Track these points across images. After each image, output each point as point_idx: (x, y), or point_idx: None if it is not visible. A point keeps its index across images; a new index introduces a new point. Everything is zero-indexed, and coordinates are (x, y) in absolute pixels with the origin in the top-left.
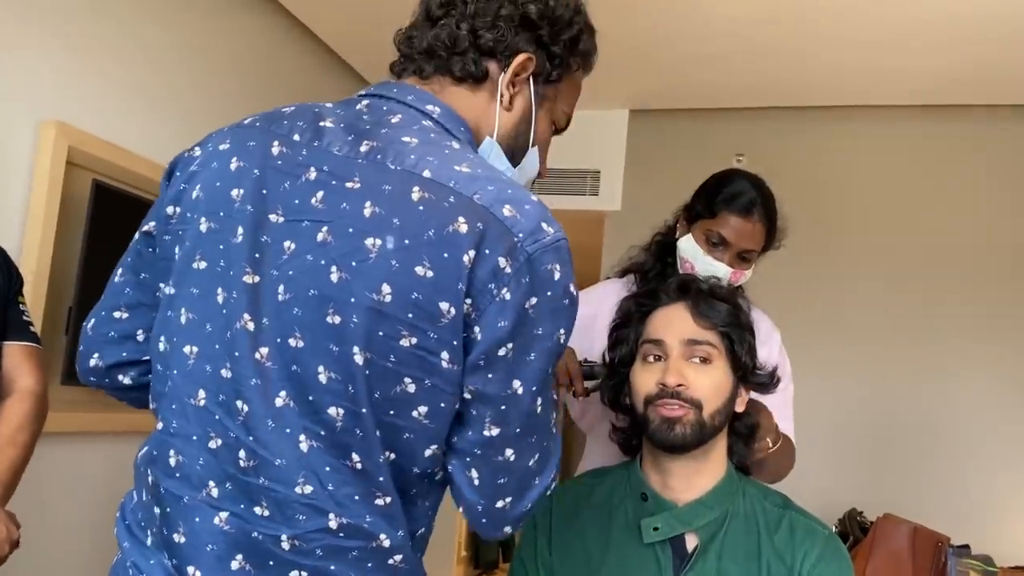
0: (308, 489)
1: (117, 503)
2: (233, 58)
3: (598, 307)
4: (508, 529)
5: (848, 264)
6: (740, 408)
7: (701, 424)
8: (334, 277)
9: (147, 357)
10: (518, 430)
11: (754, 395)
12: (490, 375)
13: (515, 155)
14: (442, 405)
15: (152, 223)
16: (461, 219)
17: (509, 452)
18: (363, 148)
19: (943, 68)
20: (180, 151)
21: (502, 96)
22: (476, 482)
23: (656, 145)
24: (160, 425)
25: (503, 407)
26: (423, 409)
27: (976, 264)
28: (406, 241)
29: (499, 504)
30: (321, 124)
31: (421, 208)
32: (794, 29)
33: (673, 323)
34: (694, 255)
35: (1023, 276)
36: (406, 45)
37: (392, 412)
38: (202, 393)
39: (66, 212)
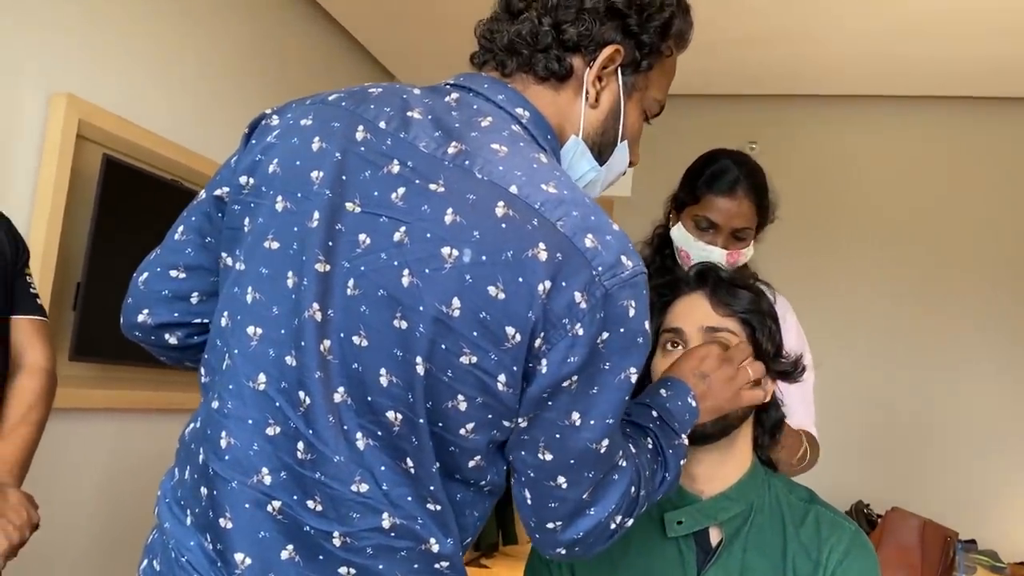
0: (364, 488)
1: (123, 479)
2: (246, 36)
3: None
4: (562, 551)
5: (860, 255)
6: (766, 399)
7: (724, 414)
8: (405, 281)
9: (197, 319)
10: (572, 461)
11: (782, 385)
12: (551, 403)
13: (602, 152)
14: (491, 424)
15: (225, 188)
16: (542, 245)
17: (561, 480)
18: (451, 150)
19: (960, 59)
20: (191, 128)
21: (588, 93)
22: (529, 501)
23: (667, 131)
24: (215, 404)
25: (558, 435)
26: (471, 426)
27: (990, 258)
28: (483, 257)
29: (549, 526)
30: (408, 114)
31: (503, 225)
32: (810, 16)
33: (692, 311)
34: (686, 243)
35: None
36: (487, 39)
37: (440, 425)
38: (263, 377)
39: (75, 186)
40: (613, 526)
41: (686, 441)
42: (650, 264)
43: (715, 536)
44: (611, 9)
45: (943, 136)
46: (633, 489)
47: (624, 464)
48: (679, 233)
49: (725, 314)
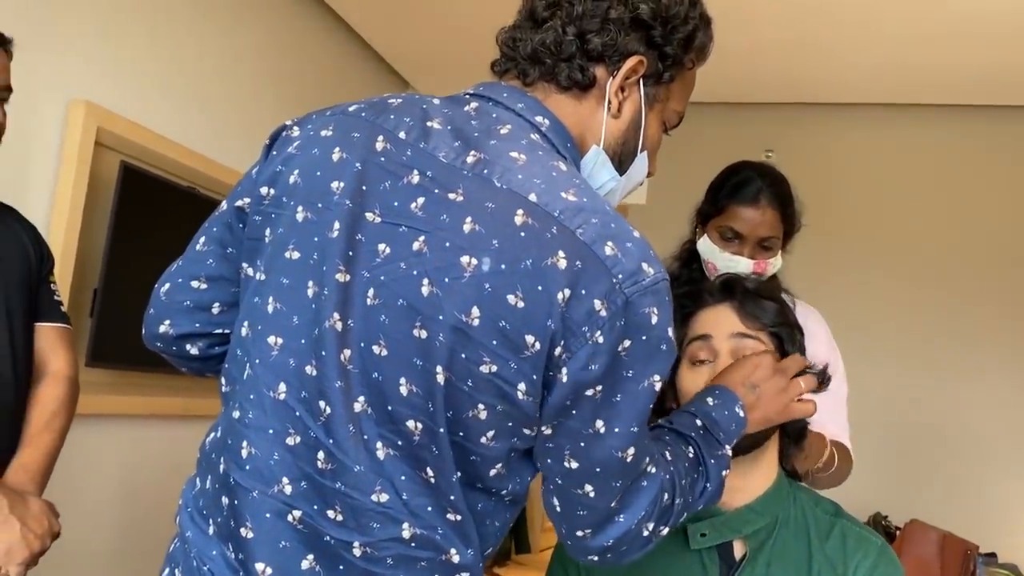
0: (384, 498)
1: (139, 485)
2: (264, 44)
3: None
4: (595, 558)
5: (876, 263)
6: (815, 412)
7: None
8: (425, 290)
9: (219, 330)
10: (598, 469)
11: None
12: (574, 411)
13: (623, 162)
14: (511, 433)
15: (247, 199)
16: (561, 253)
17: (588, 488)
18: (470, 159)
19: (976, 67)
20: (209, 136)
21: (610, 103)
22: (558, 508)
23: (683, 139)
24: (236, 414)
25: (582, 444)
26: (491, 434)
27: (1007, 266)
28: (502, 266)
29: (579, 533)
30: (428, 124)
31: (523, 234)
32: (826, 24)
33: (719, 323)
34: (712, 254)
35: None
36: (509, 47)
37: (462, 435)
38: (283, 387)
39: (93, 193)
40: (646, 533)
41: (730, 452)
42: (677, 278)
43: (739, 549)
44: (636, 20)
45: (960, 144)
46: (666, 496)
47: (654, 471)
48: (705, 245)
49: (755, 328)
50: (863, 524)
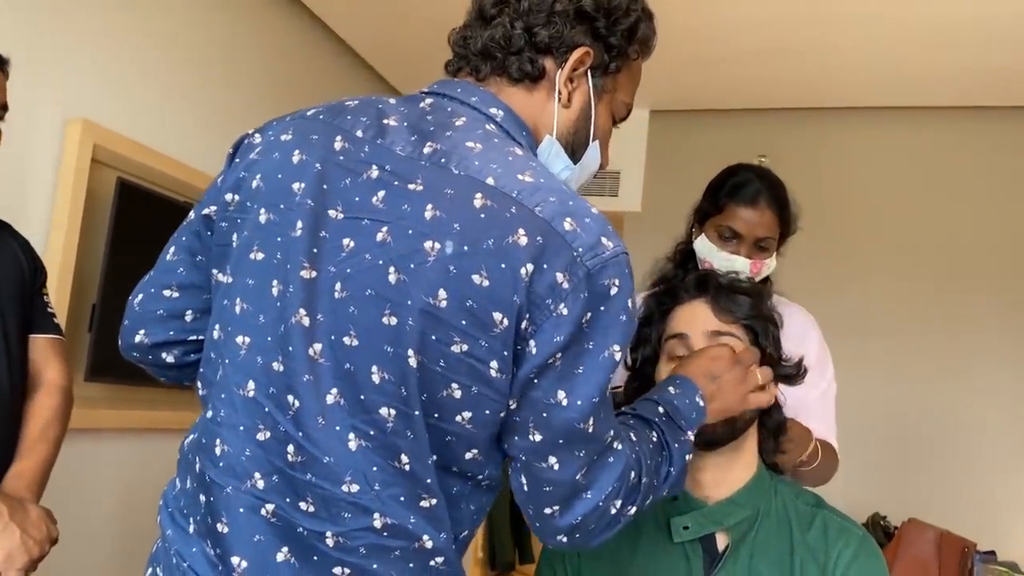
0: (355, 488)
1: (139, 500)
2: (258, 59)
3: None
4: (563, 539)
5: (872, 265)
6: (771, 402)
7: (731, 418)
8: (392, 278)
9: (192, 337)
10: (561, 440)
11: (783, 388)
12: (536, 381)
13: (575, 151)
14: (487, 412)
15: (213, 207)
16: (521, 231)
17: (552, 460)
18: (426, 150)
19: (967, 69)
20: (204, 151)
21: (560, 93)
22: (525, 487)
23: (677, 146)
24: (209, 413)
25: (544, 414)
26: (467, 415)
27: (1006, 267)
28: (465, 248)
29: (546, 511)
30: (384, 122)
31: (483, 216)
32: (817, 29)
33: (696, 318)
34: (710, 253)
35: None
36: (460, 45)
37: (437, 415)
38: (251, 384)
39: (91, 209)
40: (613, 511)
41: (692, 437)
42: (673, 279)
43: (722, 541)
44: (580, 12)
45: (955, 146)
46: (633, 475)
47: (619, 447)
48: (702, 244)
49: (728, 320)
50: (844, 515)
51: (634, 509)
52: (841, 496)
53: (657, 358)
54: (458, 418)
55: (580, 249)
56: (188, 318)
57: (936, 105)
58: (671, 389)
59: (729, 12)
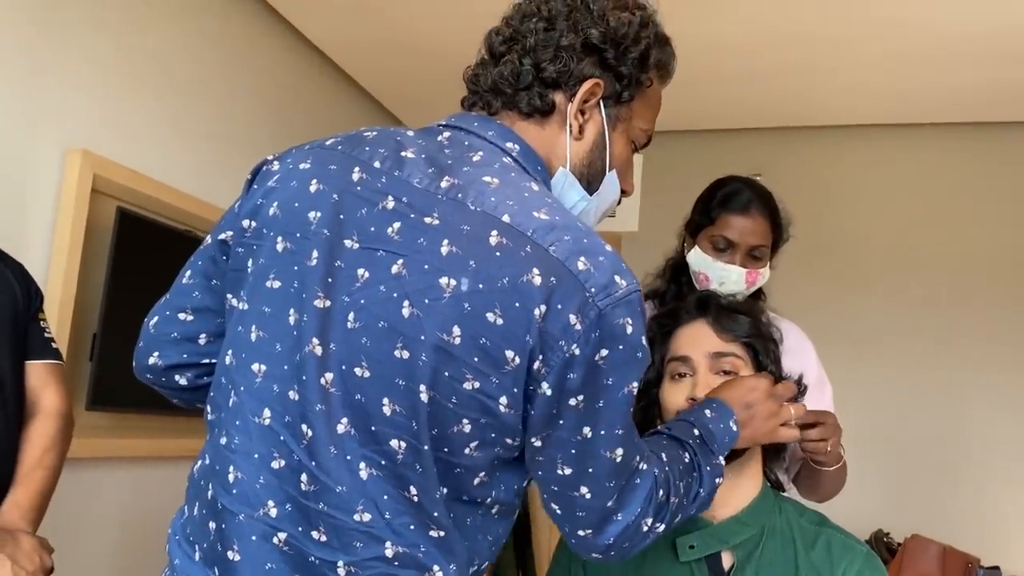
0: (366, 517)
1: (140, 527)
2: (257, 88)
3: None
4: (599, 556)
5: (870, 283)
6: (797, 438)
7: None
8: (406, 312)
9: (206, 360)
10: (591, 470)
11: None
12: (561, 421)
13: (591, 182)
14: (492, 435)
15: (229, 232)
16: (535, 271)
17: (584, 490)
18: (444, 184)
19: (961, 86)
20: (202, 179)
21: (571, 126)
22: (558, 512)
23: (673, 166)
24: (223, 440)
25: (573, 451)
26: (474, 444)
27: (1001, 283)
28: (480, 285)
29: (581, 533)
30: (402, 154)
31: (498, 254)
32: (811, 49)
33: (697, 339)
34: (704, 265)
35: None
36: (472, 83)
37: (446, 450)
38: (267, 412)
39: (91, 239)
40: (644, 528)
41: (723, 462)
42: (665, 293)
43: (727, 560)
44: (587, 45)
45: (950, 163)
46: (662, 493)
47: (645, 467)
48: (696, 256)
49: (729, 339)
50: (848, 533)
51: (663, 526)
52: (844, 512)
53: (660, 379)
54: (466, 451)
55: (592, 289)
56: (202, 341)
57: (931, 122)
58: (708, 412)
59: (724, 33)
